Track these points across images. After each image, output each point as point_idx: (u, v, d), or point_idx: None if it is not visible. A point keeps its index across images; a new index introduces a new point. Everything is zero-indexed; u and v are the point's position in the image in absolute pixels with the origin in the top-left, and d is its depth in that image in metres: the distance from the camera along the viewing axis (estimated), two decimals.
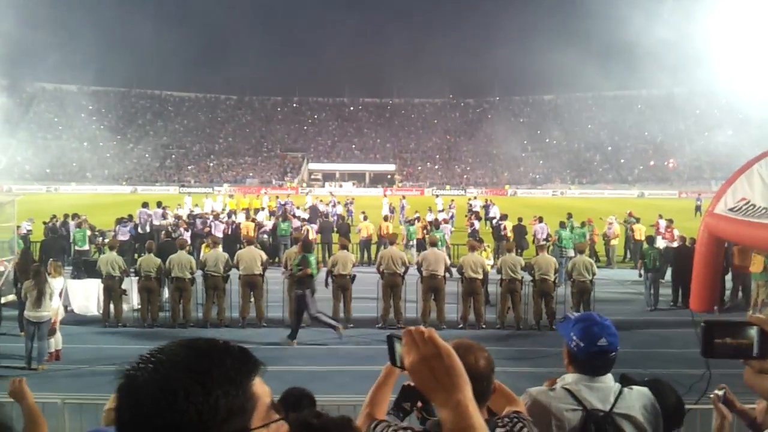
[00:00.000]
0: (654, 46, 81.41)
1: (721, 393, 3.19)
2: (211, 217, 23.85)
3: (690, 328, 12.43)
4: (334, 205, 31.72)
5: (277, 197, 37.53)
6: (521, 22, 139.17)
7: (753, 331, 1.47)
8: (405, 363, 1.43)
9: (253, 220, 23.55)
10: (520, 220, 22.60)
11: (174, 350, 1.19)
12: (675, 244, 17.08)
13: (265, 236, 22.23)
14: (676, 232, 19.77)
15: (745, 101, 79.32)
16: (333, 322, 12.45)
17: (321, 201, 34.16)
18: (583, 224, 21.26)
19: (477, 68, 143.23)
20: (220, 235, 20.65)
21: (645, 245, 17.01)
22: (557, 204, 49.11)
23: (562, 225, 21.06)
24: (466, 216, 28.08)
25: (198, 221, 22.88)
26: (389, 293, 13.47)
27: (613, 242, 21.96)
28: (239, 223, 22.99)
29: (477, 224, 24.55)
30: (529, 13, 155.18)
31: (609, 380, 2.75)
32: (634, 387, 2.81)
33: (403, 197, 37.55)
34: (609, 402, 2.69)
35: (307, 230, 20.47)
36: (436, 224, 20.34)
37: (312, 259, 12.57)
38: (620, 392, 2.73)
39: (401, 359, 1.49)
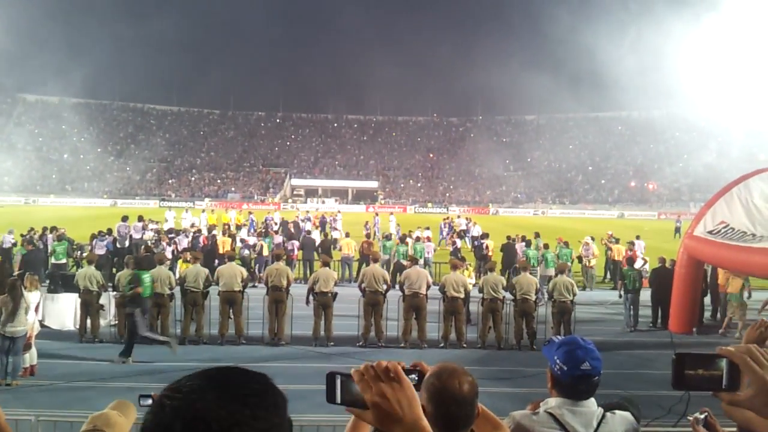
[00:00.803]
0: (633, 69, 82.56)
1: (702, 416, 3.16)
2: (190, 232, 23.70)
3: (669, 349, 12.53)
4: (308, 221, 31.71)
5: (250, 212, 37.24)
6: (503, 44, 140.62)
7: (723, 363, 1.47)
8: (366, 400, 1.42)
9: (231, 236, 23.43)
10: (509, 238, 22.52)
11: (203, 379, 1.15)
12: (638, 265, 17.13)
13: (246, 252, 22.11)
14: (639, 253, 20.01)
15: (724, 124, 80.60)
16: (164, 339, 12.30)
17: (296, 217, 34.12)
18: (566, 244, 21.28)
19: (460, 87, 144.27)
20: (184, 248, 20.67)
21: (625, 266, 17.12)
22: (539, 223, 49.33)
23: (528, 244, 21.12)
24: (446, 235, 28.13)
25: (179, 236, 22.73)
26: (370, 311, 13.41)
27: (592, 262, 21.94)
28: (215, 237, 22.88)
29: (459, 243, 24.59)
30: (511, 35, 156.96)
31: (592, 404, 2.73)
32: (617, 411, 2.80)
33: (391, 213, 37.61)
34: (592, 427, 2.68)
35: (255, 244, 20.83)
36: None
37: (145, 277, 12.37)
38: (603, 417, 2.72)
39: (346, 397, 1.47)
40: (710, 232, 13.83)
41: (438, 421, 2.15)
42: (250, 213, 36.34)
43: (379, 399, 1.36)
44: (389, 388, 1.39)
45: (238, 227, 27.31)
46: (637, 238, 23.71)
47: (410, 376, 2.33)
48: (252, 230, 28.64)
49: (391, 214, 37.39)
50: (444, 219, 36.78)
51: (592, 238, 22.48)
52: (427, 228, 27.70)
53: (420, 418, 1.39)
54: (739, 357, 1.43)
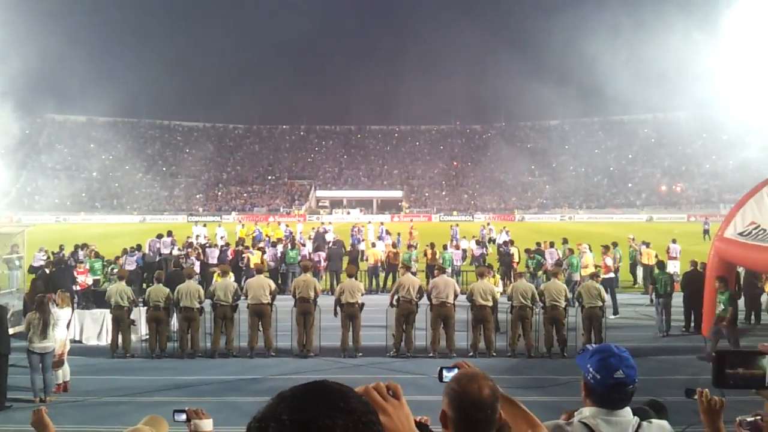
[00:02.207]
0: (660, 70, 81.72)
1: (751, 419, 2.99)
2: (218, 246, 23.90)
3: (702, 354, 12.32)
4: (325, 232, 31.71)
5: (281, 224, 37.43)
6: (526, 48, 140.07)
7: (765, 361, 1.43)
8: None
9: (261, 249, 23.53)
10: (538, 245, 22.38)
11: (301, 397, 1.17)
12: (670, 269, 16.75)
13: (272, 264, 22.17)
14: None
15: (752, 124, 79.30)
16: None
17: (314, 228, 34.21)
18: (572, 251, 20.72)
19: (482, 94, 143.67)
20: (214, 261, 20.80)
21: (656, 270, 16.83)
22: (566, 229, 48.96)
23: (572, 251, 20.87)
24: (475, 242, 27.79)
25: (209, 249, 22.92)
26: (403, 321, 13.36)
27: (583, 272, 20.72)
28: (244, 252, 22.98)
29: (484, 250, 24.33)
30: (533, 40, 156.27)
31: (627, 414, 2.67)
32: (654, 420, 2.74)
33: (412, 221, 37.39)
34: None
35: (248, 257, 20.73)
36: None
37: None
38: (639, 426, 2.66)
39: None
40: (741, 234, 13.57)
41: (459, 425, 2.20)
42: (287, 225, 36.61)
43: (385, 418, 1.40)
44: (392, 406, 1.44)
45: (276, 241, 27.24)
46: (673, 241, 23.38)
47: (451, 374, 2.44)
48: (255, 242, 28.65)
49: (382, 224, 36.74)
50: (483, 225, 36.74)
51: (589, 246, 21.48)
52: (464, 238, 27.51)
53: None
54: None
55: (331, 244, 25.31)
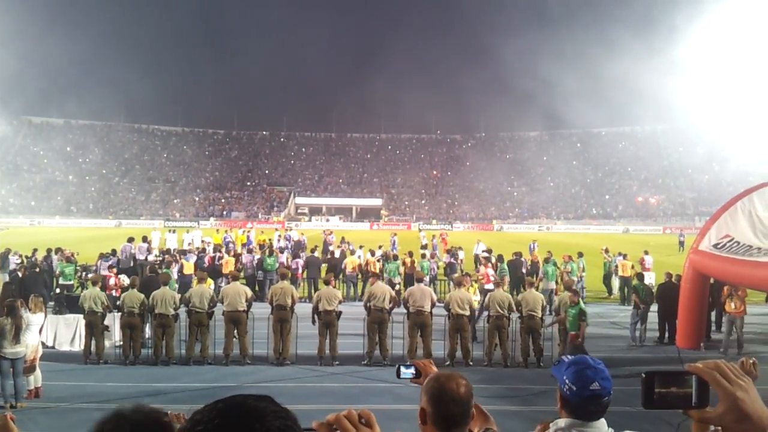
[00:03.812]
0: (637, 84, 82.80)
1: None
2: (195, 252, 23.71)
3: (677, 364, 12.42)
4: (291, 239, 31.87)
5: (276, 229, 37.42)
6: (506, 58, 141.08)
7: (693, 380, 1.44)
8: None
9: (235, 255, 23.43)
10: (516, 255, 22.31)
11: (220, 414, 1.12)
12: (647, 280, 16.98)
13: (250, 271, 22.06)
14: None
15: (728, 138, 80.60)
16: None
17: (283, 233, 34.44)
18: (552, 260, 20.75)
19: (463, 105, 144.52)
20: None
21: (635, 281, 16.98)
22: (543, 239, 49.26)
23: (546, 259, 20.93)
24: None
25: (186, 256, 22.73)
26: (375, 329, 13.35)
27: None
28: (221, 258, 22.87)
29: (453, 259, 24.02)
30: (515, 50, 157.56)
31: (602, 425, 2.69)
32: None
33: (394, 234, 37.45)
34: None
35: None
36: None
37: None
38: None
39: None
40: (715, 246, 13.76)
41: (438, 420, 2.40)
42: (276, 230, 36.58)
43: None
44: None
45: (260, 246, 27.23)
46: (646, 253, 23.65)
47: (409, 370, 2.75)
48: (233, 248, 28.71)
49: (395, 234, 37.09)
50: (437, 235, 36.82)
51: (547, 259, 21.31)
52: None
53: None
54: (708, 373, 1.41)
55: (310, 252, 25.20)
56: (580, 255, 22.28)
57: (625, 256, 22.42)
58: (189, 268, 20.56)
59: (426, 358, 2.42)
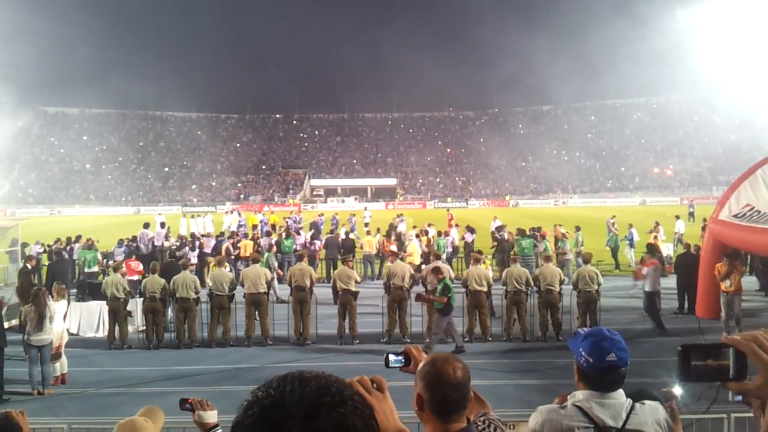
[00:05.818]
0: (651, 54, 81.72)
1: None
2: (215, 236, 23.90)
3: (698, 335, 12.40)
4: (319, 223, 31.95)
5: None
6: (518, 34, 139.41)
7: (730, 352, 1.44)
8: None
9: (254, 238, 23.54)
10: (532, 230, 22.13)
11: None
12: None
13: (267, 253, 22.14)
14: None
15: (744, 106, 79.46)
16: None
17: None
18: (542, 236, 20.57)
19: (475, 81, 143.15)
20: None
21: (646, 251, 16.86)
22: (560, 214, 49.05)
23: (522, 234, 20.60)
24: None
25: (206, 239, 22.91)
26: (395, 308, 13.42)
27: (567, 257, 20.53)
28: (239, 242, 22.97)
29: (469, 237, 23.94)
30: (526, 25, 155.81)
31: (620, 396, 2.70)
32: (647, 402, 2.77)
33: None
34: (621, 418, 2.64)
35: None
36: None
37: None
38: (632, 408, 2.69)
39: None
40: (735, 216, 13.61)
41: (436, 406, 2.28)
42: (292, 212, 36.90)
43: None
44: (376, 400, 1.46)
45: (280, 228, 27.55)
46: (657, 224, 23.24)
47: (398, 358, 2.48)
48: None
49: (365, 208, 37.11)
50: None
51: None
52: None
53: (400, 425, 1.53)
54: (745, 345, 1.41)
55: (329, 233, 25.23)
56: (578, 229, 22.09)
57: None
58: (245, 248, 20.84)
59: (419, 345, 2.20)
